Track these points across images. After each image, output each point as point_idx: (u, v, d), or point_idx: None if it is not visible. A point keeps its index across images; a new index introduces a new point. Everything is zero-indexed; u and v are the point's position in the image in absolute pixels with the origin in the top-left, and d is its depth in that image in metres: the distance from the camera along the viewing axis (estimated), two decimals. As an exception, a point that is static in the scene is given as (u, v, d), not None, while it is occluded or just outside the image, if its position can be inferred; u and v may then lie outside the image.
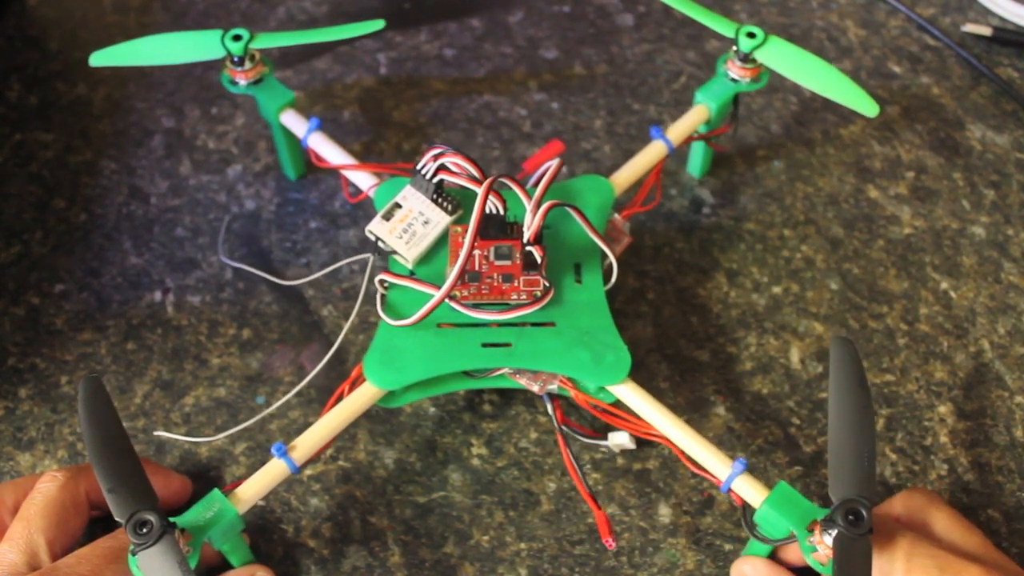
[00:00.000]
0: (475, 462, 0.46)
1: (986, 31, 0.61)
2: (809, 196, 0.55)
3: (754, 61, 0.49)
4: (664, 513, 0.45)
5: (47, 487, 0.40)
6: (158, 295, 0.51)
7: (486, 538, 0.44)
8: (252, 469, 0.45)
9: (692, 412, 0.47)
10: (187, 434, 0.47)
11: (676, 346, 0.49)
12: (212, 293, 0.51)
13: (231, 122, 0.58)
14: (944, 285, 0.51)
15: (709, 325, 0.50)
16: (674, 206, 0.54)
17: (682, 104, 0.58)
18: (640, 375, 0.42)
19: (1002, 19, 0.62)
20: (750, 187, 0.55)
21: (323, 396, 0.46)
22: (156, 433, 0.46)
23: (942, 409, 0.47)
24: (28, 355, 0.49)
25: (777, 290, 0.51)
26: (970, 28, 0.61)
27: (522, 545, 0.44)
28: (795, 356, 0.49)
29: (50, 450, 0.46)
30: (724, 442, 0.46)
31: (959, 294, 0.51)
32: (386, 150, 0.57)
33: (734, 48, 0.49)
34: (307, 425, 0.47)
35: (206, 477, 0.46)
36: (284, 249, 0.53)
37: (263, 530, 0.44)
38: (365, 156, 0.56)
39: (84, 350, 0.49)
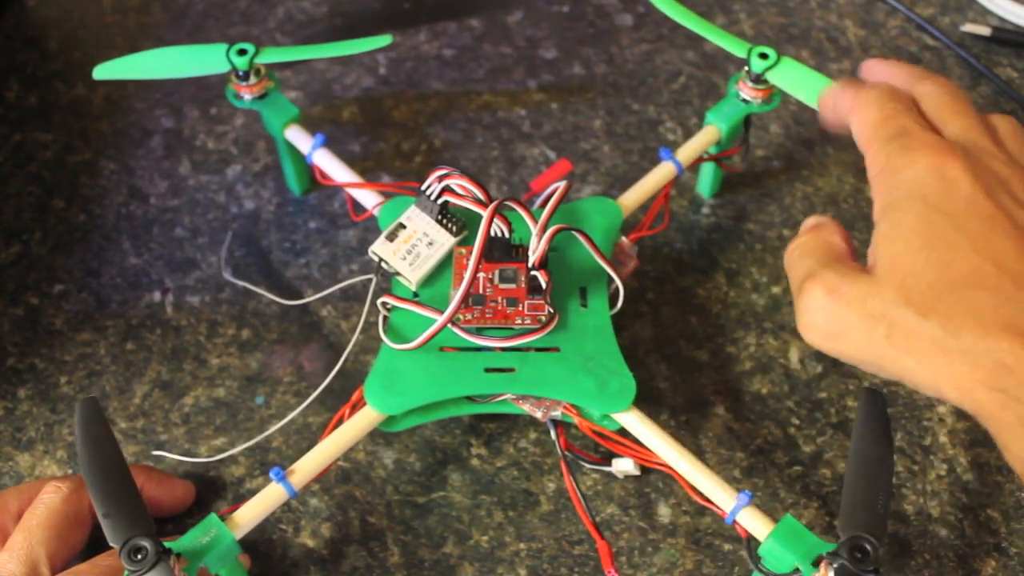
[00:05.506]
0: (474, 462, 0.46)
1: (985, 31, 0.61)
2: (808, 196, 0.55)
3: (766, 82, 0.49)
4: (663, 513, 0.45)
5: (51, 498, 0.40)
6: (157, 295, 0.51)
7: (485, 538, 0.44)
8: (251, 470, 0.46)
9: (691, 412, 0.47)
10: (186, 434, 0.47)
11: (675, 346, 0.49)
12: (211, 293, 0.51)
13: (230, 122, 0.58)
14: (943, 285, 0.51)
15: (708, 325, 0.50)
16: (673, 206, 0.54)
17: (681, 104, 0.58)
18: (639, 375, 0.42)
19: (1001, 19, 0.62)
20: (749, 187, 0.55)
21: (323, 395, 0.46)
22: (155, 452, 0.46)
23: (941, 409, 0.47)
24: (27, 355, 0.49)
25: (776, 290, 0.51)
26: (969, 28, 0.61)
27: (521, 545, 0.44)
28: (794, 356, 0.49)
29: (49, 450, 0.46)
30: (723, 442, 0.46)
31: (958, 294, 0.51)
32: (385, 150, 0.57)
33: (746, 68, 0.49)
34: (306, 425, 0.47)
35: (206, 478, 0.46)
36: (283, 249, 0.53)
37: (262, 530, 0.44)
38: (364, 156, 0.56)
39: (83, 350, 0.49)
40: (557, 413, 0.43)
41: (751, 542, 0.39)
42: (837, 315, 0.34)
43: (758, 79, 0.48)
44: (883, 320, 0.33)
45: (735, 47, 0.49)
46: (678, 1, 0.51)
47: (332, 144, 0.50)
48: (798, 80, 0.47)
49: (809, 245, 0.37)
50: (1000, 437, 0.31)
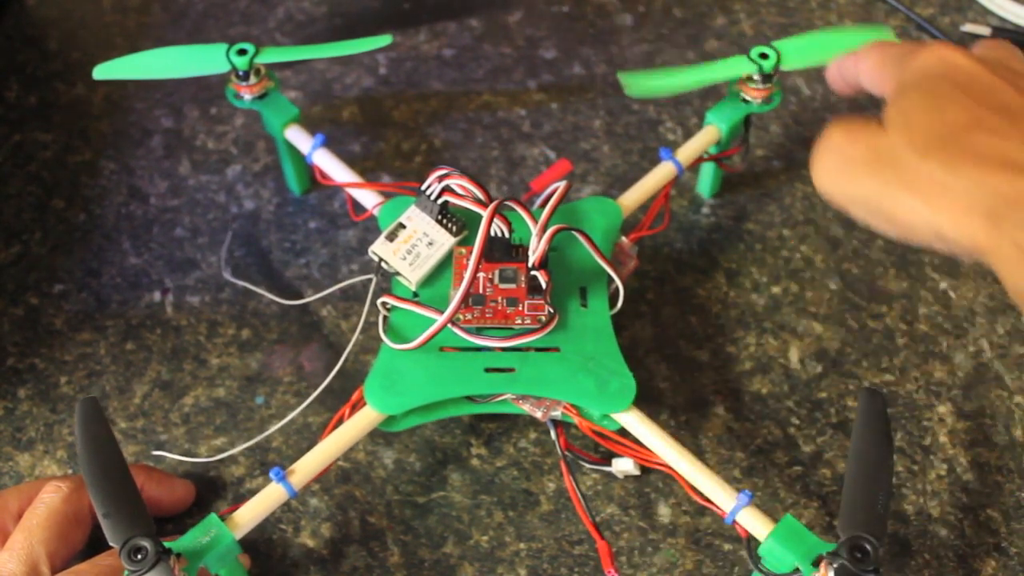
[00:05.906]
0: (474, 462, 0.46)
1: (985, 31, 0.61)
2: (808, 196, 0.55)
3: (771, 78, 0.49)
4: (663, 513, 0.45)
5: (51, 498, 0.40)
6: (157, 295, 0.51)
7: (485, 538, 0.44)
8: (251, 470, 0.46)
9: (691, 412, 0.47)
10: (186, 434, 0.47)
11: (675, 346, 0.49)
12: (211, 293, 0.51)
13: (230, 122, 0.58)
14: (943, 285, 0.51)
15: (708, 325, 0.50)
16: (673, 206, 0.54)
17: (681, 104, 0.58)
18: (639, 375, 0.42)
19: (1001, 19, 0.62)
20: (749, 187, 0.55)
21: (323, 395, 0.46)
22: (155, 452, 0.46)
23: (941, 409, 0.47)
24: (27, 355, 0.49)
25: (776, 290, 0.51)
26: (969, 28, 0.61)
27: (521, 545, 0.44)
28: (794, 356, 0.49)
29: (49, 450, 0.46)
30: (723, 442, 0.46)
31: (958, 294, 0.51)
32: (385, 150, 0.57)
33: (751, 75, 0.49)
34: (306, 425, 0.47)
35: (206, 478, 0.46)
36: (283, 249, 0.53)
37: (262, 530, 0.44)
38: (364, 156, 0.56)
39: (83, 350, 0.49)
40: (557, 413, 0.43)
41: (751, 542, 0.39)
42: (847, 153, 0.35)
43: (771, 77, 0.49)
44: (889, 162, 0.34)
45: (736, 67, 0.49)
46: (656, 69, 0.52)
47: (332, 144, 0.50)
48: (804, 52, 0.48)
49: (846, 118, 0.39)
50: (1000, 270, 0.32)
